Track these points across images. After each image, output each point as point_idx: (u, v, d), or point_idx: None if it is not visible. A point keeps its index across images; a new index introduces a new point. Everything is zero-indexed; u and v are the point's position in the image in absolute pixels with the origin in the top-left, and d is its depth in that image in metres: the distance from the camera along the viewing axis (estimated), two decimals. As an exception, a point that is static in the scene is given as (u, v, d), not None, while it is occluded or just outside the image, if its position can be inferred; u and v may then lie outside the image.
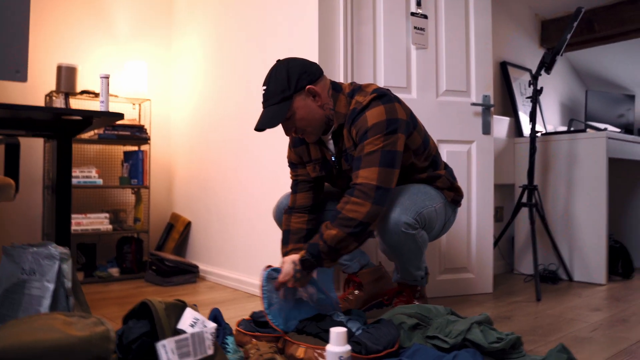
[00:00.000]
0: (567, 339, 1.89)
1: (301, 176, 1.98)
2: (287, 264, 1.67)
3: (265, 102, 1.73)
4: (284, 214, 2.01)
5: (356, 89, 1.81)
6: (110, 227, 3.11)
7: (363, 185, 1.63)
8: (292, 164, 2.01)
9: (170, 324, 1.20)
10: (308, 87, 1.74)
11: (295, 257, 1.68)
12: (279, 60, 1.78)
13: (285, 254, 1.93)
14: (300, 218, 1.96)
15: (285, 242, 1.97)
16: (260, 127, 1.71)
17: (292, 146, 1.98)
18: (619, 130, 4.04)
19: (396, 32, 2.52)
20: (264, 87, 1.74)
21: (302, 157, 1.95)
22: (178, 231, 3.38)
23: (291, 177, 2.03)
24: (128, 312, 1.27)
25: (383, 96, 1.73)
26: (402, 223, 1.65)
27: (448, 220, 1.98)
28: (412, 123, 1.82)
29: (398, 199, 1.69)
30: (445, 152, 2.62)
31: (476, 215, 2.69)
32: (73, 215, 2.96)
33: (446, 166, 2.02)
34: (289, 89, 1.71)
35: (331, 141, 1.85)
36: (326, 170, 1.92)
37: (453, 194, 1.96)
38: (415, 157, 1.87)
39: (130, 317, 1.27)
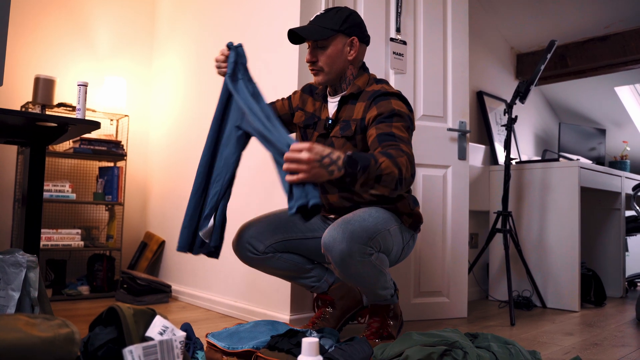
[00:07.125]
0: (540, 360, 1.89)
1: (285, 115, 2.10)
2: (321, 146, 1.50)
3: (316, 20, 1.87)
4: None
5: (383, 81, 1.92)
6: (81, 243, 3.04)
7: (409, 160, 1.62)
8: (290, 104, 2.11)
9: (139, 331, 1.17)
10: (354, 37, 1.87)
11: (337, 151, 1.53)
12: (346, 7, 1.92)
13: None
14: None
15: None
16: (299, 31, 1.82)
17: (302, 90, 2.10)
18: (590, 162, 4.14)
19: (375, 56, 2.56)
20: (322, 11, 1.88)
21: (300, 104, 2.06)
22: (151, 250, 3.32)
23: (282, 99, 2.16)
24: (95, 318, 1.24)
25: (408, 104, 1.85)
26: (355, 252, 1.63)
27: (406, 244, 1.93)
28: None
29: (348, 228, 1.66)
30: (422, 176, 2.64)
31: (451, 239, 2.70)
32: (44, 230, 2.89)
33: (409, 191, 2.00)
34: (341, 27, 1.84)
35: (334, 104, 1.93)
36: (306, 126, 2.00)
37: (412, 220, 1.93)
38: None
39: (96, 323, 1.23)
